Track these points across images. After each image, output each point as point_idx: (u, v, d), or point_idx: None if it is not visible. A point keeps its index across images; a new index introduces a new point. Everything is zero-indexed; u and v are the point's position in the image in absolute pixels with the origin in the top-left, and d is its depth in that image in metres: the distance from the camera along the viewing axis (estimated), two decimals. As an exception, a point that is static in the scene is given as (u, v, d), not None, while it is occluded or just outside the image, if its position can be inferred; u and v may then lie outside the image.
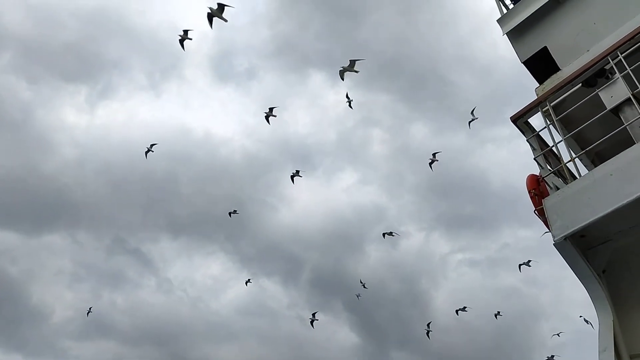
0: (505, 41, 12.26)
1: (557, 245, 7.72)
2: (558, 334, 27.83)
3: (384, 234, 28.63)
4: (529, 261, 24.79)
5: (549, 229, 7.99)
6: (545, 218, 8.04)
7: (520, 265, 25.14)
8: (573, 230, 7.58)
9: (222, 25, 20.48)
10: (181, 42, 22.01)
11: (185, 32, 21.85)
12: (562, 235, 7.65)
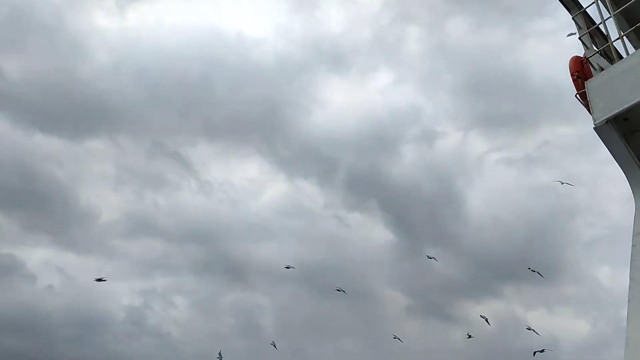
0: None
1: (598, 129, 7.46)
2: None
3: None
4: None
5: (590, 113, 7.70)
6: (587, 101, 7.72)
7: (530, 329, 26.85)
8: (616, 113, 7.28)
9: None
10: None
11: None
12: (604, 118, 7.37)
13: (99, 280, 30.63)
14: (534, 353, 30.53)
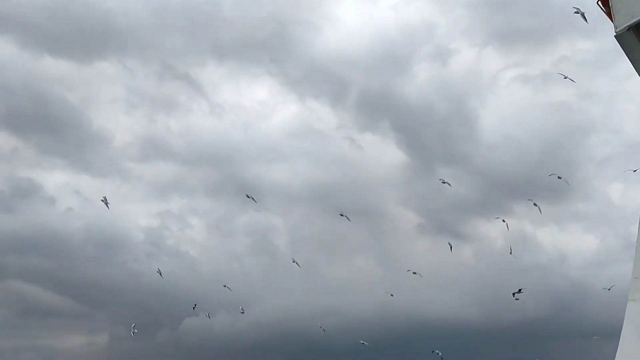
0: None
1: (619, 37, 7.18)
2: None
3: None
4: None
5: (612, 20, 7.37)
6: (609, 9, 7.36)
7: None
8: (639, 19, 6.95)
9: None
10: None
11: None
12: (626, 25, 7.08)
13: (104, 201, 31.55)
14: (513, 294, 30.80)
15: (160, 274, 39.39)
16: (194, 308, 42.62)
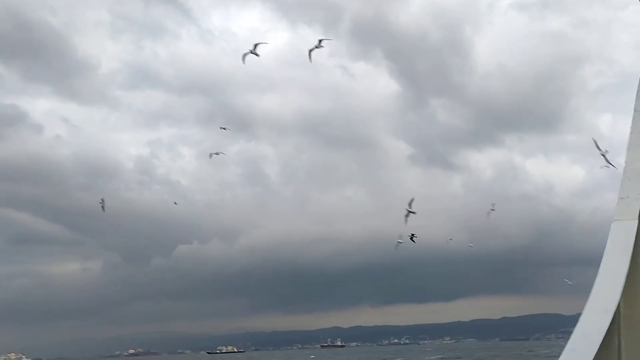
0: None
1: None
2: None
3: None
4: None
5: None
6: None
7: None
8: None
9: None
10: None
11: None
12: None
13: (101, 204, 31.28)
14: (411, 237, 31.14)
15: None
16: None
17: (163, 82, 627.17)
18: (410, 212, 23.01)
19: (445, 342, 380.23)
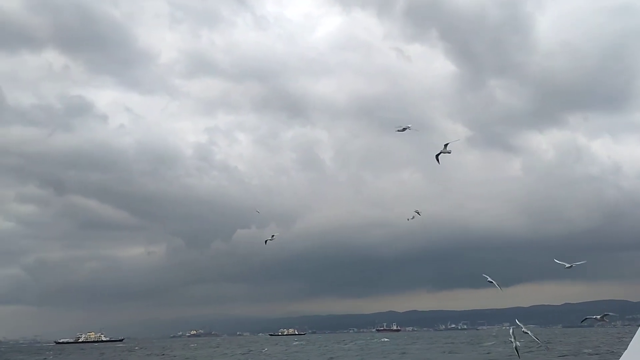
0: None
1: None
2: None
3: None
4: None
5: None
6: None
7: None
8: None
9: None
10: None
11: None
12: None
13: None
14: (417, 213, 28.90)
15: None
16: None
17: (220, 69, 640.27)
18: (444, 152, 22.23)
19: (504, 328, 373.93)
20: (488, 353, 55.84)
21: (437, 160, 21.60)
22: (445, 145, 21.64)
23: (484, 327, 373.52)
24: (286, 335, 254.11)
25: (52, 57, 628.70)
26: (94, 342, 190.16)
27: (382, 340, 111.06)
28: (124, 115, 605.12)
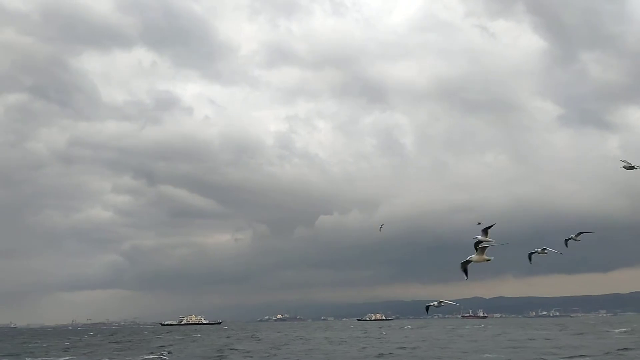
0: None
1: None
2: None
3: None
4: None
5: None
6: None
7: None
8: None
9: None
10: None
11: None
12: None
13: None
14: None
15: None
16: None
17: (298, 58, 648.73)
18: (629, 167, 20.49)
19: (600, 315, 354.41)
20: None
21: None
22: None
23: (578, 315, 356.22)
24: (374, 320, 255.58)
25: (141, 54, 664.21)
26: (195, 324, 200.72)
27: (478, 326, 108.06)
28: (208, 107, 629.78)
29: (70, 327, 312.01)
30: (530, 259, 19.53)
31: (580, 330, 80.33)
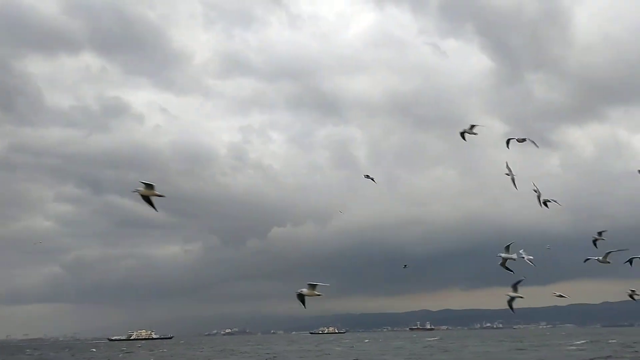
0: None
1: None
2: None
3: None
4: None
5: None
6: None
7: None
8: None
9: None
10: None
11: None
12: None
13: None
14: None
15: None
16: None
17: (253, 68, 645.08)
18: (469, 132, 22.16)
19: (541, 327, 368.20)
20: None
21: (463, 137, 21.75)
22: (472, 126, 21.83)
23: (520, 326, 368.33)
24: (327, 333, 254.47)
25: (90, 59, 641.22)
26: (145, 339, 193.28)
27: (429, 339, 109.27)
28: (159, 116, 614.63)
29: (3, 345, 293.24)
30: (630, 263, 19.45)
31: (541, 342, 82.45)
